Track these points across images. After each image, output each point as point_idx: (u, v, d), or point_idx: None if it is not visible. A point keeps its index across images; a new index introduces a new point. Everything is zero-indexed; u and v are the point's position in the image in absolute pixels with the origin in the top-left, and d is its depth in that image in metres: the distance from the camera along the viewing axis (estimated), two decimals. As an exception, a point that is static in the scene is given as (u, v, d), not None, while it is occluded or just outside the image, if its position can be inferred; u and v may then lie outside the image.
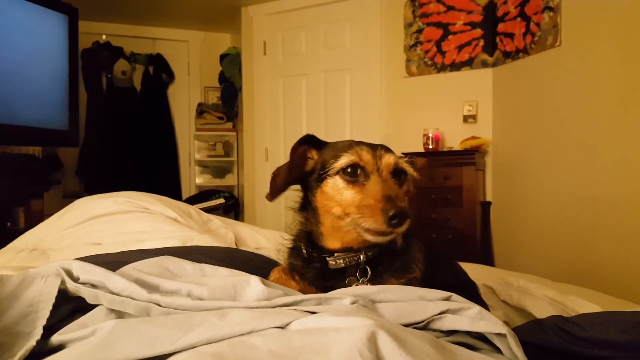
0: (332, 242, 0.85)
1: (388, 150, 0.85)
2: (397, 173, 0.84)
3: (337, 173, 0.81)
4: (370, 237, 0.76)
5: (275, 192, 0.87)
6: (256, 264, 1.08)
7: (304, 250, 0.88)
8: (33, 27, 3.29)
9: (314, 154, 0.88)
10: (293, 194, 0.94)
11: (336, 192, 0.81)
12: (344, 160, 0.80)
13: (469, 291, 0.99)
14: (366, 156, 0.81)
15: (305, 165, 0.88)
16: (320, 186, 0.83)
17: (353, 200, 0.78)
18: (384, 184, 0.78)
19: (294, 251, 0.93)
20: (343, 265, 0.84)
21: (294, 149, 0.87)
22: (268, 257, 1.19)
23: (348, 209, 0.78)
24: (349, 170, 0.80)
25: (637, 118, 2.29)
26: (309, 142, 0.88)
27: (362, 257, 0.83)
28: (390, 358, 0.47)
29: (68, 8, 3.55)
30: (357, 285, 0.82)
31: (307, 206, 0.89)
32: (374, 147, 0.84)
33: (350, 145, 0.84)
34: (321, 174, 0.83)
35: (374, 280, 0.83)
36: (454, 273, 1.03)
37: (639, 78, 2.29)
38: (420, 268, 0.86)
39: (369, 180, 0.79)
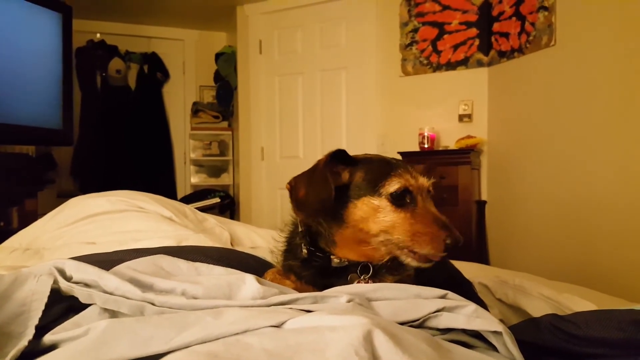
0: (345, 252, 0.84)
1: (416, 171, 0.85)
2: (429, 193, 0.85)
3: (384, 196, 0.79)
4: (415, 263, 0.78)
5: (311, 210, 0.82)
6: (251, 265, 1.07)
7: (305, 250, 0.86)
8: (26, 26, 3.26)
9: (341, 169, 0.84)
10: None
11: (380, 213, 0.79)
12: (395, 185, 0.79)
13: (464, 290, 0.99)
14: (412, 181, 0.81)
15: (338, 179, 0.83)
16: (355, 203, 0.81)
17: (403, 225, 0.78)
18: (433, 209, 0.80)
19: (289, 252, 0.92)
20: (347, 263, 0.84)
21: (326, 164, 0.82)
22: (263, 258, 1.19)
23: (393, 232, 0.78)
24: (398, 195, 0.79)
25: (632, 117, 2.30)
26: (339, 156, 0.84)
27: None
28: (386, 356, 0.47)
29: (62, 6, 3.52)
30: (358, 282, 0.83)
31: (331, 216, 0.85)
32: (408, 169, 0.83)
33: (389, 165, 0.83)
34: (358, 193, 0.81)
35: (374, 278, 0.84)
36: (445, 271, 1.03)
37: (634, 77, 2.30)
38: None
39: (417, 206, 0.80)
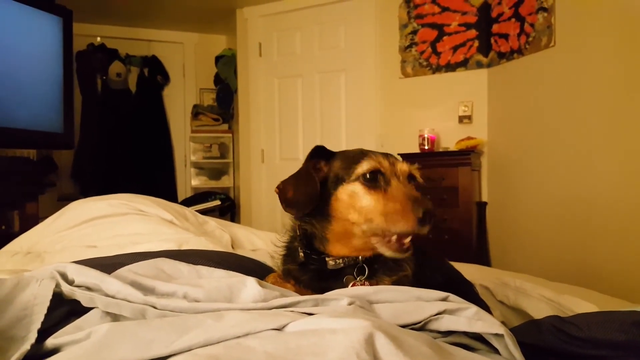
0: (338, 248, 0.85)
1: (397, 158, 0.86)
2: (410, 179, 0.84)
3: (357, 179, 0.80)
4: (390, 252, 0.77)
5: (300, 206, 0.84)
6: (252, 269, 1.07)
7: (301, 254, 0.87)
8: (27, 29, 3.27)
9: (322, 165, 0.88)
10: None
11: (355, 198, 0.80)
12: (365, 166, 0.80)
13: (462, 290, 0.99)
14: (384, 162, 0.81)
15: (319, 175, 0.87)
16: (335, 194, 0.83)
17: (376, 207, 0.77)
18: (406, 188, 0.79)
19: (287, 257, 0.93)
20: (342, 265, 0.84)
21: (307, 161, 0.86)
22: (264, 262, 1.19)
23: (370, 216, 0.78)
24: (368, 176, 0.80)
25: (632, 118, 2.30)
26: (319, 153, 0.88)
27: (360, 257, 0.84)
28: (387, 359, 0.47)
29: (62, 10, 3.53)
30: (354, 284, 0.83)
31: (317, 213, 0.87)
32: (386, 155, 0.84)
33: (363, 152, 0.84)
34: (336, 182, 0.83)
35: (369, 279, 0.84)
36: (444, 272, 1.03)
37: (633, 78, 2.30)
38: (411, 266, 0.87)
39: (391, 186, 0.79)
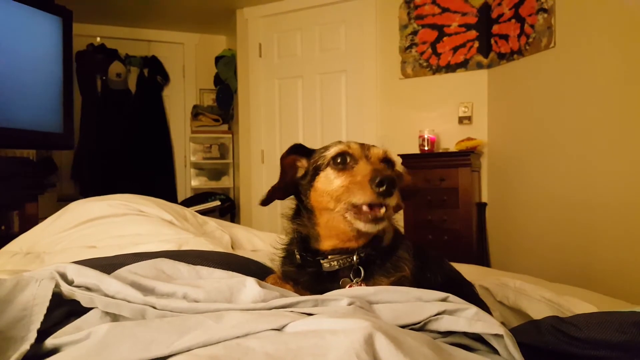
0: (328, 241, 0.86)
1: (376, 146, 0.89)
2: (386, 161, 0.87)
3: (327, 165, 0.84)
4: (360, 224, 0.78)
5: (268, 200, 0.92)
6: (252, 270, 1.07)
7: (298, 256, 0.89)
8: (26, 30, 3.27)
9: (303, 162, 0.91)
10: (288, 202, 0.96)
11: (328, 183, 0.83)
12: (333, 150, 0.84)
13: (463, 291, 0.99)
14: (354, 146, 0.85)
15: (296, 173, 0.92)
16: (312, 185, 0.86)
17: (343, 184, 0.80)
18: (373, 165, 0.82)
19: (286, 259, 0.94)
20: (337, 267, 0.85)
21: (283, 158, 0.91)
22: (264, 263, 1.19)
23: (338, 194, 0.80)
24: (338, 160, 0.83)
25: (632, 118, 2.31)
26: (298, 151, 0.92)
27: (355, 259, 0.84)
28: (387, 360, 0.47)
29: (62, 10, 3.53)
30: (350, 286, 0.83)
31: (301, 213, 0.91)
32: (363, 144, 0.88)
33: (337, 142, 0.88)
34: (313, 174, 0.87)
35: (366, 281, 0.84)
36: (443, 272, 1.03)
37: (633, 79, 2.30)
38: (409, 267, 0.88)
39: (358, 164, 0.82)
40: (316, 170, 0.86)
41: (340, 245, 0.85)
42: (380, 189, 0.74)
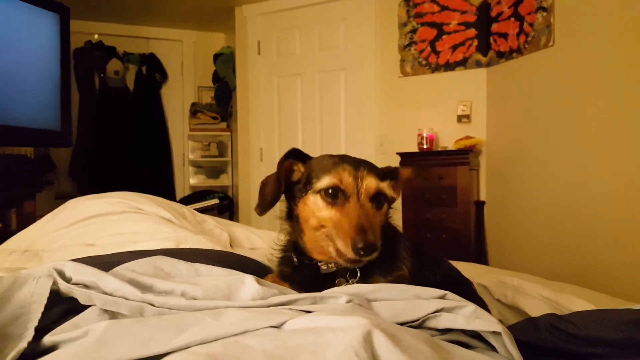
0: (315, 254, 0.87)
1: (371, 170, 0.86)
2: (378, 196, 0.86)
3: (318, 192, 0.84)
4: (340, 260, 0.80)
5: (264, 205, 0.90)
6: (251, 268, 1.07)
7: (295, 259, 0.90)
8: (24, 27, 3.26)
9: (300, 167, 0.92)
10: (279, 204, 0.96)
11: (315, 208, 0.84)
12: (325, 182, 0.83)
13: (462, 289, 0.99)
14: (347, 179, 0.83)
15: (292, 176, 0.92)
16: (303, 198, 0.87)
17: (330, 217, 0.82)
18: (361, 210, 0.81)
19: (283, 260, 0.95)
20: (335, 269, 0.86)
21: (280, 163, 0.90)
22: (262, 263, 1.19)
23: (323, 223, 0.83)
24: (330, 192, 0.83)
25: (631, 118, 2.31)
26: (295, 155, 0.92)
27: None
28: (385, 357, 0.47)
29: (59, 7, 3.52)
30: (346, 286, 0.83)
31: (292, 215, 0.92)
32: (357, 167, 0.85)
33: (334, 164, 0.86)
34: (305, 188, 0.87)
35: (363, 281, 0.85)
36: (442, 271, 1.03)
37: (632, 78, 2.30)
38: (407, 266, 0.88)
39: (347, 204, 0.82)
40: (306, 188, 0.86)
41: (322, 259, 0.87)
42: (360, 253, 0.75)
